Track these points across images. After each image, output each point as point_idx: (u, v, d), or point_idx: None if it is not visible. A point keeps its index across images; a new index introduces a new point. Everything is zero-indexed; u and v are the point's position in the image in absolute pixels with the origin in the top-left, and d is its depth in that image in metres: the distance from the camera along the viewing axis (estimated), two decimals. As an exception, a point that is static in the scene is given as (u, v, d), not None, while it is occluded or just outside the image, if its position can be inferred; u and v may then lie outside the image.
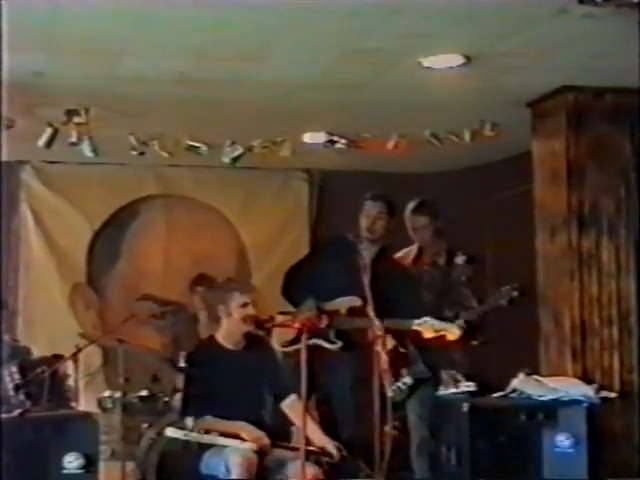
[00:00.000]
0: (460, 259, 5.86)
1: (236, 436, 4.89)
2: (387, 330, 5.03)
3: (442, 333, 5.42)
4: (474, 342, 5.74)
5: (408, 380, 5.85)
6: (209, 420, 4.97)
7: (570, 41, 4.78)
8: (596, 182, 5.70)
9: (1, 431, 4.44)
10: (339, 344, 5.41)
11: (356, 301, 5.46)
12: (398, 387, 5.81)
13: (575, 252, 5.67)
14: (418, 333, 5.34)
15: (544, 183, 5.91)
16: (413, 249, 6.08)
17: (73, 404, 5.74)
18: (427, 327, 5.34)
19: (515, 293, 5.50)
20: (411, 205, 6.00)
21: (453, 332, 5.40)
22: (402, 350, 5.91)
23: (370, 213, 5.59)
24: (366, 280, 5.09)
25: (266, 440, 4.94)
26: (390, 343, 5.87)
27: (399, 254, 6.06)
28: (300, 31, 4.65)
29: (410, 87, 5.54)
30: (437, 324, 5.31)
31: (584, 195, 5.70)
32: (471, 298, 5.74)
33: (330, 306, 5.54)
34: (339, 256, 5.53)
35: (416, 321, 5.26)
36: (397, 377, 5.81)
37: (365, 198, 5.68)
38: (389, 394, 4.83)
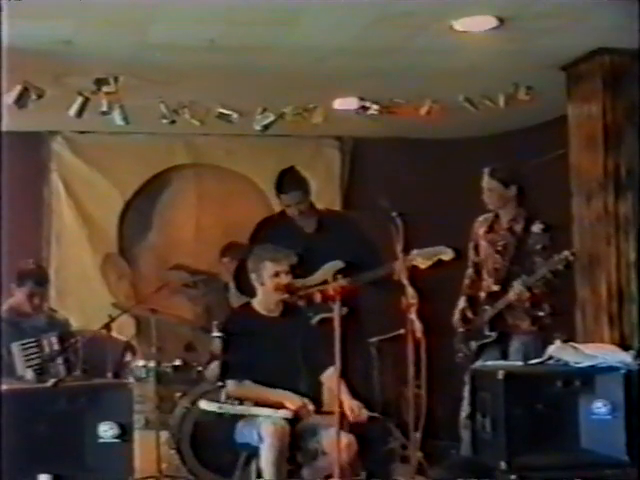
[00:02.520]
0: (537, 227, 5.80)
1: (279, 404, 4.93)
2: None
3: (435, 259, 5.51)
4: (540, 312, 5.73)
5: (473, 345, 5.85)
6: (250, 386, 5.01)
7: (606, 2, 4.73)
8: (633, 146, 5.65)
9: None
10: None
11: (338, 265, 5.56)
12: (463, 352, 5.84)
13: (612, 217, 5.64)
14: (415, 268, 5.43)
15: (580, 148, 5.87)
16: (489, 217, 6.06)
17: (108, 373, 5.79)
18: (418, 259, 5.42)
19: (572, 257, 5.49)
20: (487, 169, 5.96)
21: (446, 253, 5.65)
22: (470, 316, 5.92)
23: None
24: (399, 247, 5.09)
25: (310, 407, 4.98)
26: (461, 304, 5.92)
27: (479, 219, 6.05)
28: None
29: (443, 51, 5.51)
30: (425, 252, 5.50)
31: (621, 159, 5.66)
32: (546, 263, 5.62)
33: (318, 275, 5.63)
34: None
35: (408, 257, 5.32)
36: (465, 342, 5.84)
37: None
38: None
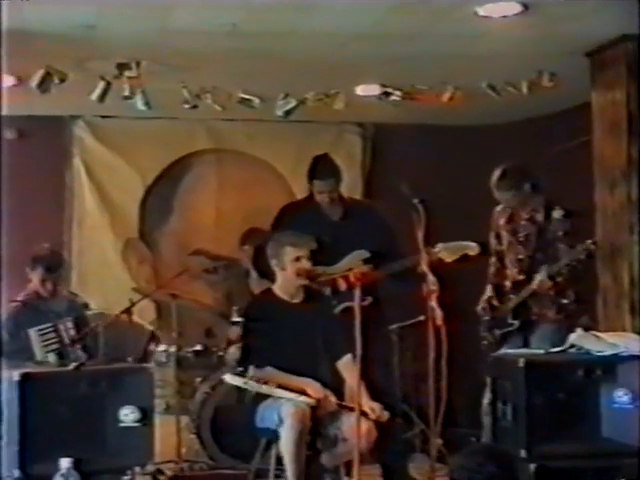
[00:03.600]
0: (557, 213, 5.77)
1: (300, 391, 4.94)
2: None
3: (461, 253, 5.51)
4: (564, 300, 5.73)
5: (497, 332, 5.86)
6: (271, 372, 5.02)
7: (631, -12, 4.72)
8: (657, 134, 5.64)
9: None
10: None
11: (364, 254, 5.56)
12: (487, 340, 5.84)
13: (635, 205, 5.61)
14: (441, 261, 5.47)
15: (603, 135, 5.84)
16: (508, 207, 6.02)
17: (129, 358, 5.82)
18: (444, 252, 5.41)
19: (593, 247, 5.49)
20: (494, 178, 5.90)
21: (472, 248, 5.65)
22: (496, 304, 5.91)
23: None
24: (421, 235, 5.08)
25: (332, 399, 4.98)
26: (487, 293, 5.93)
27: (497, 209, 6.05)
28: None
29: (466, 37, 5.49)
30: (451, 246, 5.52)
31: (645, 147, 5.64)
32: (569, 253, 5.61)
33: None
34: None
35: (434, 250, 5.39)
36: (490, 329, 5.86)
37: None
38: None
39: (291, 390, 4.94)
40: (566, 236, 5.72)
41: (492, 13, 5.09)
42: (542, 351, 5.14)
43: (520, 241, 5.84)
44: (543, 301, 5.75)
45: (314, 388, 4.98)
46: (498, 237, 6.01)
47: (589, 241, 5.52)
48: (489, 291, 5.98)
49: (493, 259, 6.01)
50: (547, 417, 4.84)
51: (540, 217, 5.85)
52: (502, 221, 6.00)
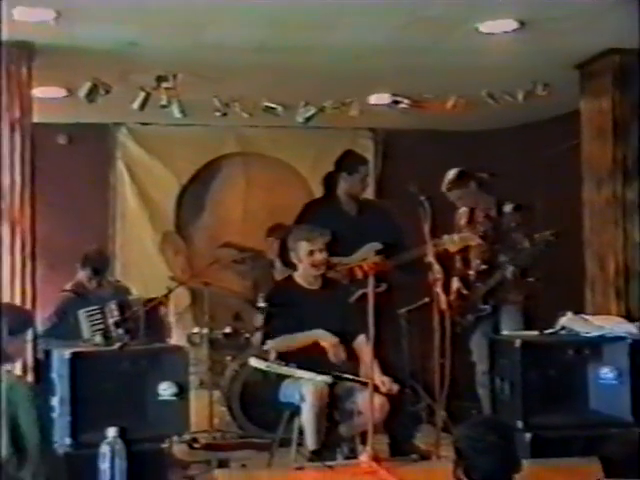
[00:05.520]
0: (508, 208, 5.93)
1: (314, 343, 4.93)
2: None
3: (464, 244, 5.58)
4: (529, 279, 5.80)
5: (470, 317, 5.91)
6: (284, 337, 5.01)
7: (616, 6, 4.68)
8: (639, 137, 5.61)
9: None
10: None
11: (377, 246, 5.55)
12: (461, 325, 5.86)
13: (619, 202, 5.59)
14: (445, 252, 5.48)
15: (591, 139, 5.82)
16: (466, 210, 6.14)
17: (166, 339, 5.84)
18: (448, 244, 5.41)
19: (551, 237, 5.58)
20: (446, 182, 6.00)
21: (473, 239, 5.69)
22: (464, 292, 5.94)
23: None
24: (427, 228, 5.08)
25: (341, 347, 4.97)
26: (455, 285, 5.95)
27: (459, 211, 6.10)
28: (366, 1, 4.61)
29: (468, 51, 5.47)
30: (456, 237, 5.53)
31: (628, 150, 5.60)
32: (523, 240, 5.78)
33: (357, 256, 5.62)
34: None
35: (440, 241, 5.37)
36: (462, 315, 5.88)
37: None
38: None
39: (305, 347, 4.92)
40: (518, 227, 5.84)
41: (492, 29, 5.07)
42: (536, 333, 5.13)
43: (480, 236, 5.87)
44: (508, 287, 5.84)
45: (324, 338, 4.97)
46: None
47: (547, 232, 5.60)
48: (456, 282, 5.99)
49: (458, 256, 6.02)
50: (541, 392, 4.83)
51: (493, 213, 5.97)
52: (463, 221, 6.10)
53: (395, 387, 4.92)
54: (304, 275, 5.21)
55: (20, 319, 3.57)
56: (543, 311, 5.78)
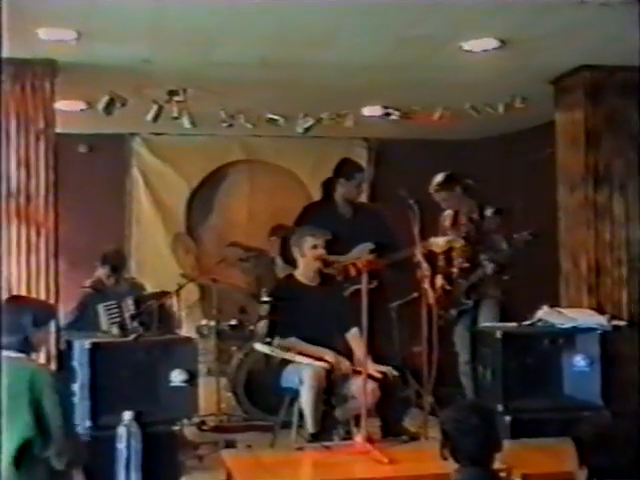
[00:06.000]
0: (489, 211, 5.94)
1: (318, 358, 4.95)
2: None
3: (449, 246, 5.62)
4: (505, 277, 5.81)
5: (453, 311, 5.92)
6: (294, 342, 5.04)
7: (588, 26, 4.68)
8: (609, 146, 5.61)
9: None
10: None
11: (370, 246, 5.56)
12: (444, 318, 5.87)
13: (591, 205, 5.60)
14: (431, 252, 5.50)
15: (565, 147, 5.83)
16: (450, 213, 6.12)
17: (177, 330, 5.85)
18: (434, 245, 5.41)
19: (529, 237, 5.59)
20: (434, 184, 6.00)
21: (458, 241, 5.71)
22: (448, 288, 5.95)
23: None
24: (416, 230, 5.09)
25: (346, 363, 4.99)
26: (439, 282, 5.96)
27: (444, 214, 6.10)
28: (360, 21, 4.63)
29: (453, 68, 5.48)
30: (441, 240, 5.54)
31: (599, 157, 5.61)
32: (502, 241, 5.80)
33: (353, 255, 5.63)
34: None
35: (427, 243, 5.37)
36: (446, 309, 5.89)
37: None
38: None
39: (310, 356, 4.96)
40: (499, 229, 5.86)
41: (474, 48, 5.07)
42: (515, 324, 5.15)
43: (463, 237, 5.88)
44: (487, 283, 5.86)
45: (330, 355, 5.00)
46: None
47: (525, 232, 5.60)
48: (440, 279, 6.00)
49: (442, 256, 6.03)
50: (519, 378, 4.86)
51: (476, 216, 5.98)
52: (448, 223, 6.10)
53: (395, 373, 4.96)
54: (305, 272, 5.25)
55: (44, 312, 3.57)
56: (519, 305, 5.78)
